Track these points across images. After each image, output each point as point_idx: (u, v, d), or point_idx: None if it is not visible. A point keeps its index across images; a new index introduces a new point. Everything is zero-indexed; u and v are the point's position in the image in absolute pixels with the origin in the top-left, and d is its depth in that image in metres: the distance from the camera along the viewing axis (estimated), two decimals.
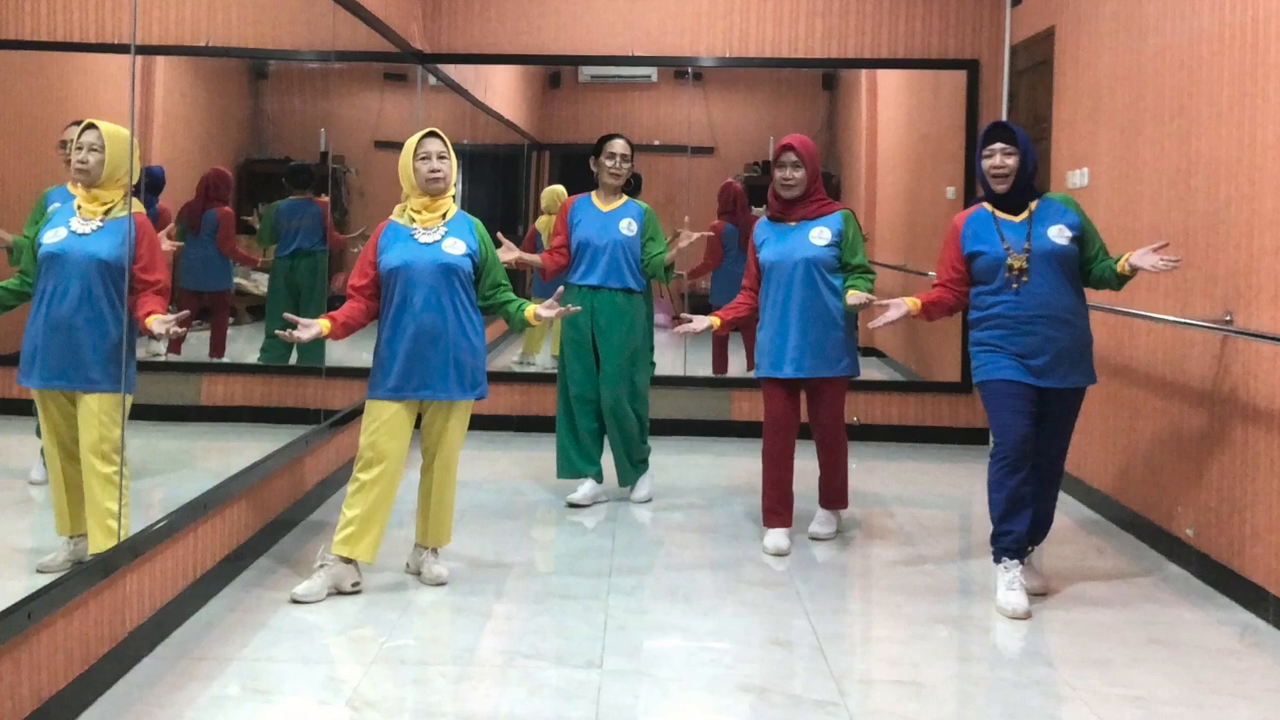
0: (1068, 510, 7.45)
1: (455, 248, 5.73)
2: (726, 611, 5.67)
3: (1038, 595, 5.86)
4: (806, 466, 6.95)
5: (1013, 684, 4.84)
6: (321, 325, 5.58)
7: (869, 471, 8.66)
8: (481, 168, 11.60)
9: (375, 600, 5.66)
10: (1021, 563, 5.77)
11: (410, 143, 5.76)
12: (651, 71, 11.21)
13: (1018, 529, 5.71)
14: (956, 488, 8.44)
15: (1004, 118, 9.42)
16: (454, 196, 5.90)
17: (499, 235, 6.70)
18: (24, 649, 4.00)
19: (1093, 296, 6.15)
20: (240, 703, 4.50)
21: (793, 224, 6.64)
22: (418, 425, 5.89)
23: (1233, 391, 5.97)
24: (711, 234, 9.35)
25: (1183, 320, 6.34)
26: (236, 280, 7.27)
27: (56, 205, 4.80)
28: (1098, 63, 7.72)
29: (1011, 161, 5.76)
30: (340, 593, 5.68)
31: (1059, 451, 5.93)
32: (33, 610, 3.99)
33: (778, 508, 6.70)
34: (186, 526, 5.29)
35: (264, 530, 6.30)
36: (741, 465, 8.66)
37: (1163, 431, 6.71)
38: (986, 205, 5.90)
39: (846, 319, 6.61)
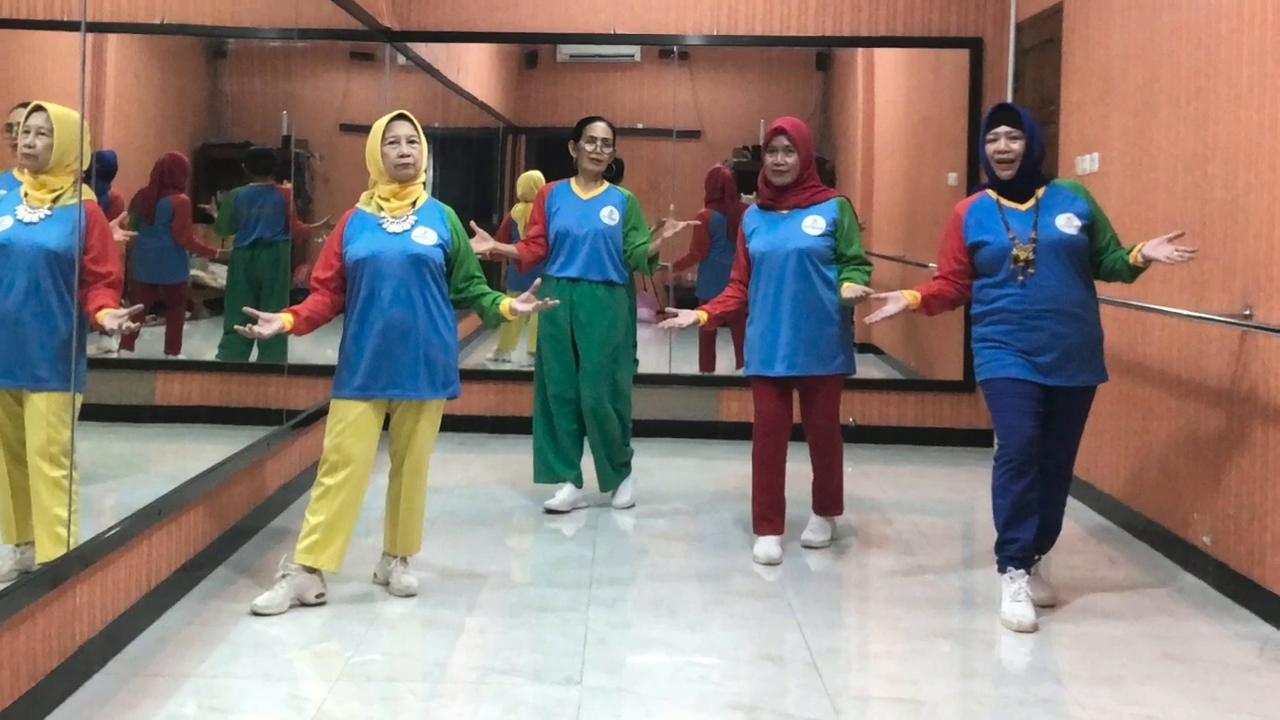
0: (1077, 517, 7.47)
1: (426, 238, 5.73)
2: (714, 625, 5.68)
3: (1045, 607, 5.87)
4: (799, 470, 6.96)
5: (1018, 702, 4.86)
6: (284, 320, 5.58)
7: (865, 475, 8.67)
8: (454, 152, 11.60)
9: (341, 612, 5.66)
10: (1028, 573, 5.78)
11: (378, 126, 5.76)
12: (634, 50, 11.22)
13: (1024, 537, 5.72)
14: (958, 493, 8.46)
15: (1009, 99, 9.44)
16: (424, 183, 5.91)
17: (472, 224, 6.69)
18: None
19: (1103, 290, 6.16)
20: None
21: (784, 212, 6.65)
22: (386, 426, 5.89)
23: (1252, 390, 5.99)
24: (698, 223, 9.37)
25: (1199, 315, 6.36)
26: (193, 272, 7.27)
27: (2, 192, 4.80)
28: (1109, 41, 7.74)
29: (1017, 146, 5.77)
30: (303, 604, 5.67)
31: (1068, 454, 5.94)
32: None
33: (768, 514, 6.71)
34: (140, 534, 5.29)
35: (222, 538, 6.30)
36: (730, 469, 8.66)
37: (1178, 433, 6.74)
38: (990, 193, 5.91)
39: (841, 313, 6.62)
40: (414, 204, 5.80)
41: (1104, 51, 7.81)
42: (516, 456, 8.63)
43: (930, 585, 6.29)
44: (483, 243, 6.87)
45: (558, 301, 6.40)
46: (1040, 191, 5.83)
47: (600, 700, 4.75)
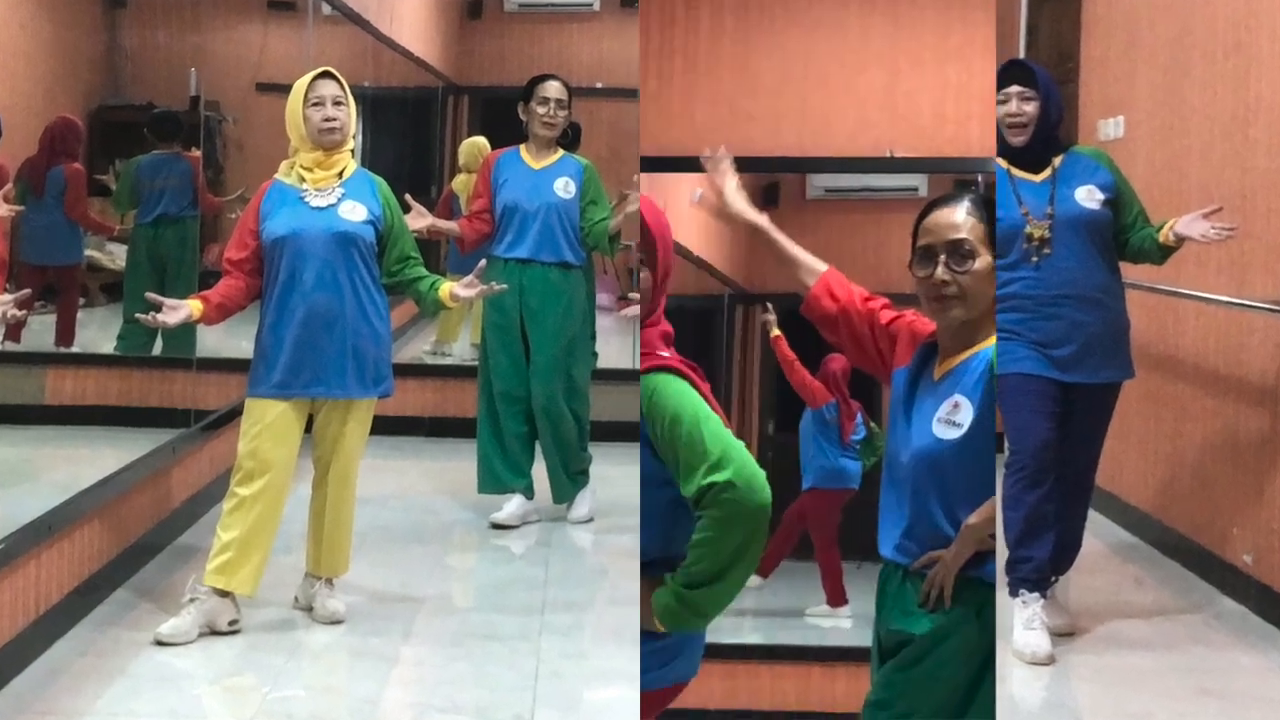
0: (1099, 532, 7.49)
1: (354, 213, 5.72)
2: None
3: (1063, 635, 5.89)
4: None
5: None
6: (192, 307, 5.55)
7: None
8: (386, 115, 11.59)
9: (257, 642, 5.64)
10: (1043, 596, 5.81)
11: (299, 85, 5.74)
12: None
13: (1039, 555, 5.74)
14: None
15: (1021, 55, 9.47)
16: (352, 151, 5.89)
17: (408, 198, 6.69)
18: None
19: (1129, 272, 6.18)
20: None
21: None
22: (309, 429, 5.88)
23: None
24: None
25: (1239, 301, 6.38)
26: (88, 252, 7.25)
27: None
28: None
29: (1030, 108, 5.78)
30: (214, 633, 5.65)
31: (1088, 461, 5.96)
32: None
33: None
34: (27, 553, 5.25)
35: (122, 557, 6.27)
36: None
37: (1215, 436, 6.76)
38: (1000, 161, 5.92)
39: None
40: (340, 175, 5.78)
41: (1129, 0, 7.83)
42: (458, 463, 8.61)
43: None
44: (419, 219, 6.86)
45: (505, 286, 6.39)
46: (1057, 160, 5.84)
47: None
